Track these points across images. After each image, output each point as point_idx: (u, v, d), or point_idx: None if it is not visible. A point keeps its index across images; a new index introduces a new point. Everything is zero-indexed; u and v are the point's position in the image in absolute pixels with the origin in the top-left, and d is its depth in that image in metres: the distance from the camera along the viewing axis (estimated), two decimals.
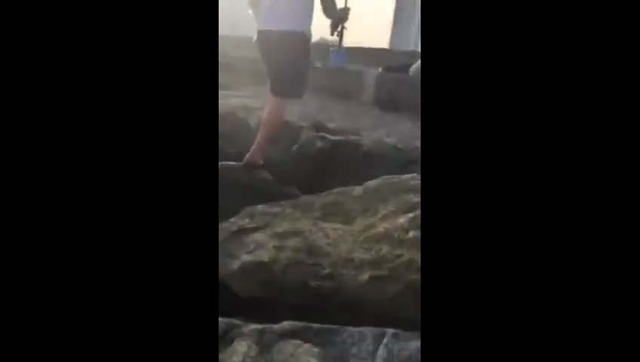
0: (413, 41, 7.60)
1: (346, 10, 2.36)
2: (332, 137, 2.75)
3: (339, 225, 1.55)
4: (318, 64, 5.22)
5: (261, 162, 2.33)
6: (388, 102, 4.07)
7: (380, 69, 5.16)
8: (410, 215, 1.47)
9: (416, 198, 1.56)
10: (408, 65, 4.91)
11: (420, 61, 4.83)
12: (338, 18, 2.29)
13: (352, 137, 2.85)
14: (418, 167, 2.68)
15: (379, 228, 1.46)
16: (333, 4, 2.18)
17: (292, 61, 2.17)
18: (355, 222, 1.56)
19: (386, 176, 1.83)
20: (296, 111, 3.35)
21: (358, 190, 1.73)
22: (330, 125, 3.47)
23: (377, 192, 1.68)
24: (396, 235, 1.40)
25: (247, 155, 2.31)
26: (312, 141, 2.70)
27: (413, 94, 4.61)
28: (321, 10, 2.19)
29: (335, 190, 1.77)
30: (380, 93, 4.80)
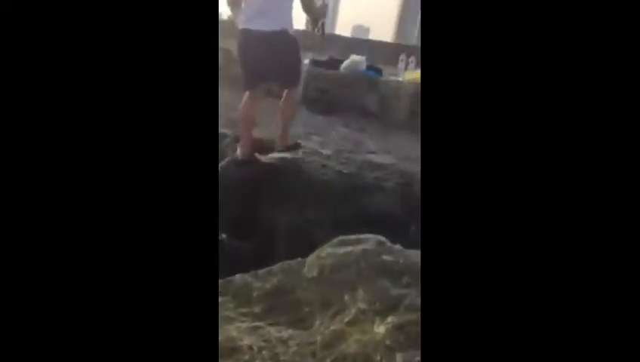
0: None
1: (324, 7, 2.67)
2: (261, 158, 2.27)
3: (290, 331, 1.08)
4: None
5: (291, 143, 2.63)
6: (317, 102, 3.61)
7: (307, 62, 4.60)
8: (393, 319, 1.05)
9: (397, 289, 1.14)
10: (339, 60, 4.45)
11: (354, 57, 4.40)
12: (318, 14, 2.53)
13: (287, 156, 2.39)
14: (371, 197, 2.39)
15: (349, 341, 1.03)
16: (312, 1, 2.40)
17: (293, 55, 2.38)
18: (313, 325, 1.10)
19: (343, 238, 1.40)
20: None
21: (312, 266, 1.27)
22: (255, 133, 2.99)
23: (340, 271, 1.24)
24: (378, 359, 0.97)
25: (278, 142, 2.61)
26: (230, 166, 2.20)
27: (346, 94, 4.22)
28: (301, 8, 2.39)
29: (277, 266, 1.29)
30: (309, 90, 4.27)
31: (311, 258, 1.31)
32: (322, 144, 3.26)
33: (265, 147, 3.03)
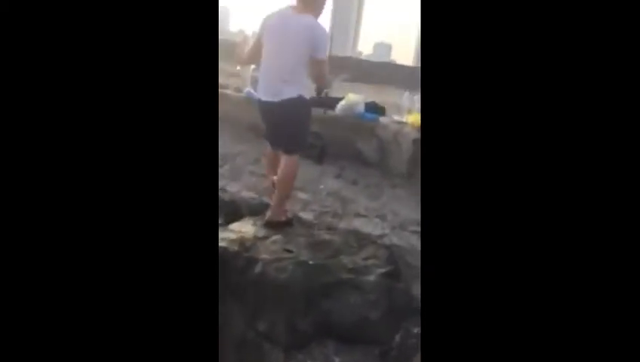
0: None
1: (331, 80, 2.78)
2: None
3: None
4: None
5: (284, 218, 2.46)
6: (309, 148, 3.15)
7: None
8: None
9: None
10: (337, 99, 4.01)
11: (351, 97, 3.95)
12: (326, 86, 2.72)
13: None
14: (342, 299, 1.89)
15: None
16: (324, 73, 2.45)
17: (297, 123, 2.41)
18: None
19: None
20: None
21: None
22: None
23: None
24: None
25: (269, 214, 2.43)
26: None
27: (341, 139, 3.76)
28: (311, 78, 2.49)
29: None
30: None
31: None
32: (305, 204, 2.83)
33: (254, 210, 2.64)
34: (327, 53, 2.47)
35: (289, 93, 2.30)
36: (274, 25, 2.35)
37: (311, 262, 1.89)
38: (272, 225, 2.39)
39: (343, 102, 3.88)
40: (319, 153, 3.61)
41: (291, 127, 2.42)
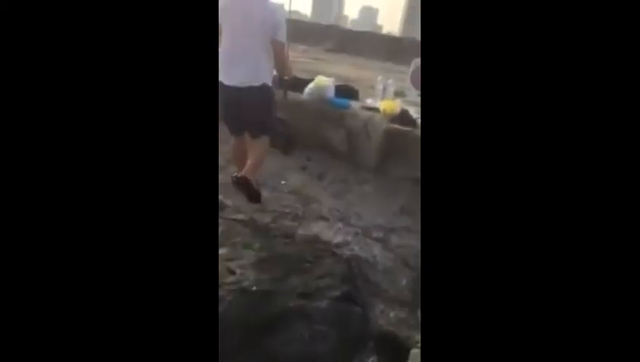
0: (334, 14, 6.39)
1: (291, 68, 2.67)
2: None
3: None
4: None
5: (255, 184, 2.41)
6: (275, 138, 2.89)
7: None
8: None
9: None
10: (306, 81, 3.72)
11: (320, 79, 3.67)
12: (285, 74, 2.59)
13: None
14: (285, 334, 1.70)
15: None
16: (285, 63, 2.46)
17: (262, 108, 2.40)
18: None
19: None
20: None
21: None
22: None
23: None
24: None
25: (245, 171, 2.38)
26: None
27: (309, 126, 3.50)
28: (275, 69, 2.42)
29: None
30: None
31: None
32: (265, 201, 2.60)
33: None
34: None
35: (254, 78, 2.27)
36: (233, 8, 2.22)
37: (254, 289, 1.68)
38: (241, 183, 2.33)
39: (311, 85, 3.60)
40: (285, 142, 3.35)
41: (256, 113, 2.39)
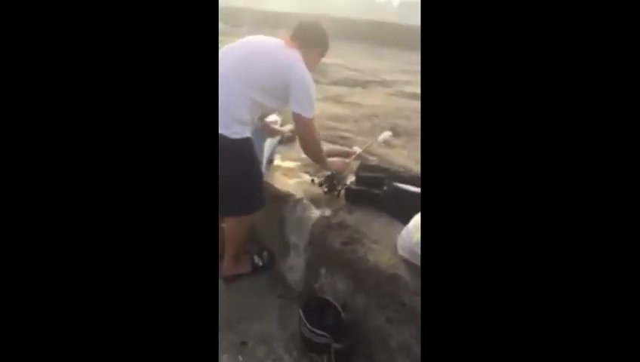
0: None
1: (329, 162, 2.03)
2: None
3: None
4: None
5: (243, 271, 2.07)
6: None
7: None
8: None
9: None
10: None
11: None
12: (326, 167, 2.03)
13: None
14: None
15: None
16: (316, 148, 1.91)
17: (243, 172, 1.81)
18: None
19: None
20: None
21: None
22: None
23: None
24: None
25: (223, 269, 2.01)
26: None
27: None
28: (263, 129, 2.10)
29: None
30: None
31: None
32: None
33: None
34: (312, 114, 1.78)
35: (238, 132, 1.72)
36: (240, 46, 1.85)
37: None
38: (231, 280, 2.00)
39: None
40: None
41: (235, 178, 1.75)
